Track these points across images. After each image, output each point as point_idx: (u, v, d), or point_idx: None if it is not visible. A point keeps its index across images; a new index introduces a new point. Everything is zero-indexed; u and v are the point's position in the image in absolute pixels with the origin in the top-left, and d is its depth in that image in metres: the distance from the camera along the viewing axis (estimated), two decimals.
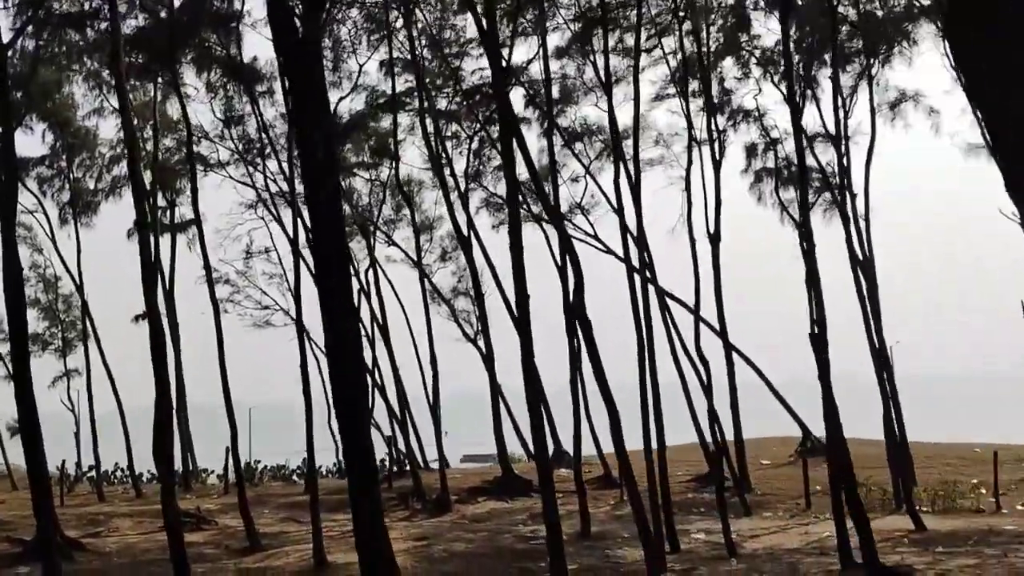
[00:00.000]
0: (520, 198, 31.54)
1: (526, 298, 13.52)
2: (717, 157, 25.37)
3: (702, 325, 26.28)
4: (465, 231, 27.50)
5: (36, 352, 39.34)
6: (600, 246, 29.53)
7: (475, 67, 26.47)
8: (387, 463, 35.66)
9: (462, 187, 30.10)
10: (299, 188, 24.40)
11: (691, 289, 25.56)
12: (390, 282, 34.70)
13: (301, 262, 21.04)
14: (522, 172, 31.10)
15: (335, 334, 10.22)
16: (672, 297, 25.64)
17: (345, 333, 10.23)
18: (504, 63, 16.66)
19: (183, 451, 32.19)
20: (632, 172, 18.85)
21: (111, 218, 35.04)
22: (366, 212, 33.19)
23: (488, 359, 25.90)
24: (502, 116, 14.42)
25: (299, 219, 21.24)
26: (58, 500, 28.07)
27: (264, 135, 24.08)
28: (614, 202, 26.19)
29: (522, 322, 13.34)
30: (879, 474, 22.71)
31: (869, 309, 22.45)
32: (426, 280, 31.67)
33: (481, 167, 30.13)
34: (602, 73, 26.49)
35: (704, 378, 21.55)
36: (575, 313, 13.89)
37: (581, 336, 13.89)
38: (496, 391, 25.77)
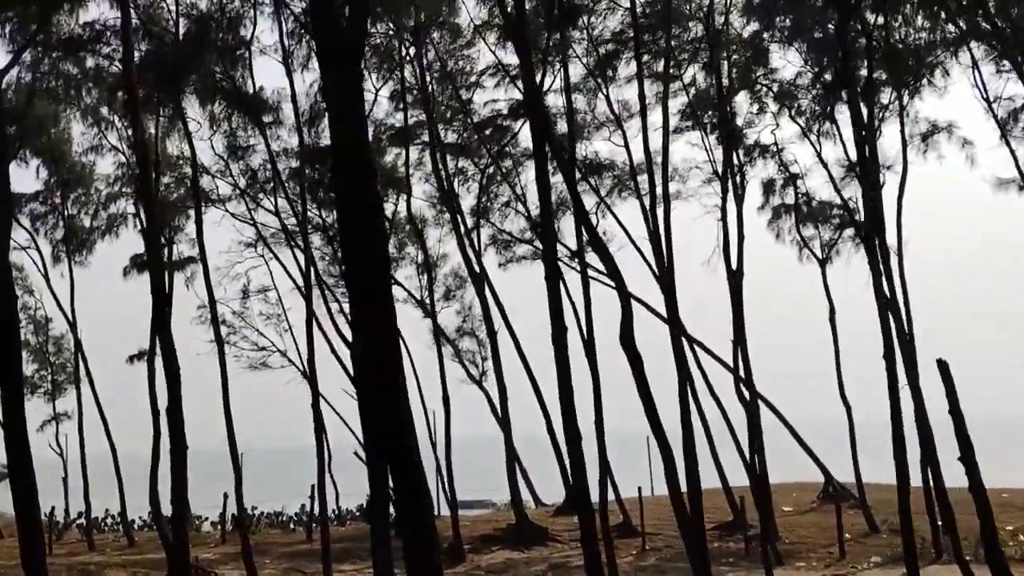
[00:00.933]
0: (532, 234, 31.05)
1: (564, 331, 12.57)
2: (740, 191, 24.58)
3: (711, 361, 25.53)
4: (476, 268, 26.57)
5: (25, 395, 38.19)
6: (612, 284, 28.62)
7: (487, 98, 25.76)
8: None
9: (469, 224, 29.34)
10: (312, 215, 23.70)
11: (706, 324, 24.78)
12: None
13: (316, 296, 19.96)
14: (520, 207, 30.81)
15: (376, 363, 9.22)
16: (700, 345, 24.70)
17: (387, 361, 9.22)
18: (530, 89, 15.80)
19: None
20: (660, 206, 18.01)
21: (104, 258, 33.98)
22: None
23: (502, 400, 24.80)
24: (538, 140, 13.53)
25: (309, 253, 20.25)
26: (47, 549, 26.79)
27: (272, 166, 23.16)
28: (636, 239, 26.07)
29: (561, 358, 12.36)
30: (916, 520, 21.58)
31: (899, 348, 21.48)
32: (432, 320, 30.73)
33: (489, 203, 29.31)
34: (616, 105, 26.24)
35: (749, 418, 20.42)
36: (625, 347, 12.89)
37: (632, 372, 12.84)
38: (508, 433, 24.64)
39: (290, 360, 32.81)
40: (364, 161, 9.47)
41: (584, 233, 23.26)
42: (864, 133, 22.35)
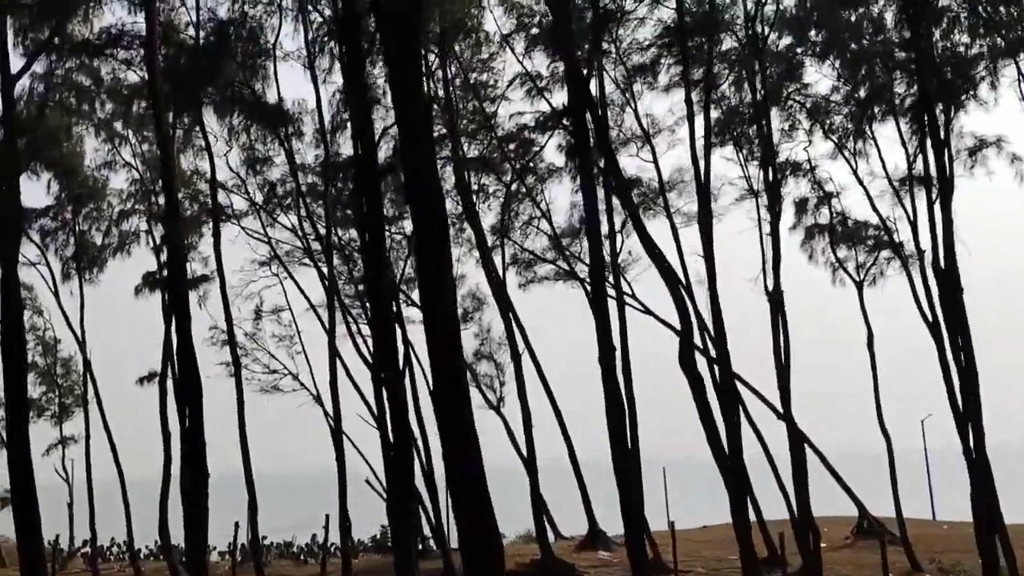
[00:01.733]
0: (555, 253, 30.06)
1: (612, 351, 11.58)
2: (777, 209, 23.58)
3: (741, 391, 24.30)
4: (499, 287, 25.55)
5: (31, 418, 37.25)
6: (639, 307, 27.56)
7: (513, 110, 24.85)
8: None
9: (488, 243, 28.40)
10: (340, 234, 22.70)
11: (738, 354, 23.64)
12: (411, 345, 32.75)
13: (338, 316, 18.96)
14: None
15: (449, 384, 8.35)
16: (737, 378, 23.53)
17: (457, 380, 8.35)
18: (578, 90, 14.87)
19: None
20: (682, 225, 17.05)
21: (113, 278, 33.12)
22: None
23: (527, 426, 23.68)
24: (582, 147, 12.62)
25: (332, 272, 19.32)
26: None
27: (293, 178, 22.26)
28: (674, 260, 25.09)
29: (610, 380, 11.36)
30: (967, 559, 20.44)
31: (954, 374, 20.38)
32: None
33: (510, 221, 28.33)
34: (644, 120, 25.37)
35: (794, 455, 19.15)
36: (685, 369, 11.90)
37: (693, 397, 11.80)
38: (532, 461, 23.48)
39: (302, 384, 31.74)
40: (434, 187, 8.77)
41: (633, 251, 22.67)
42: (919, 148, 21.60)
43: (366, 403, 30.00)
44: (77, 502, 33.42)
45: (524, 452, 28.33)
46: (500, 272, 27.65)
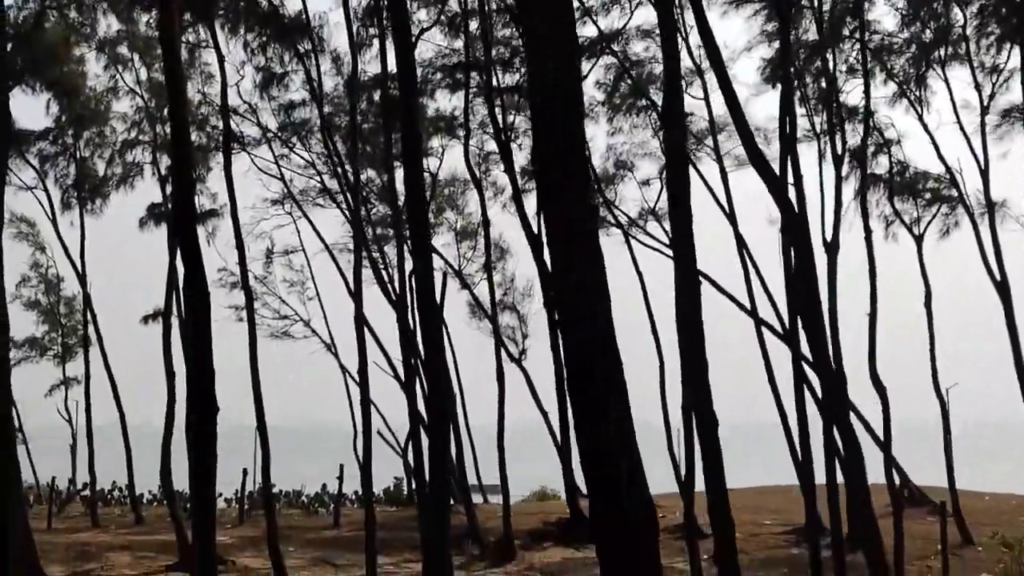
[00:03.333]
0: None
1: (697, 301, 9.79)
2: (839, 154, 21.68)
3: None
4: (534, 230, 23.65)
5: (34, 358, 35.93)
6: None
7: None
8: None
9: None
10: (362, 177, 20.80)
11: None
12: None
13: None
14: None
15: (587, 316, 6.69)
16: (770, 328, 21.83)
17: (611, 351, 6.77)
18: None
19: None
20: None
21: (115, 213, 31.29)
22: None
23: (559, 376, 21.96)
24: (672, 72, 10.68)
25: (358, 207, 17.57)
26: (46, 523, 24.34)
27: (315, 102, 20.30)
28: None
29: (694, 327, 9.60)
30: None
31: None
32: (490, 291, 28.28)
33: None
34: (696, 54, 23.39)
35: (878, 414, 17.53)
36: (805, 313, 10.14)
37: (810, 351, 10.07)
38: (564, 415, 21.82)
39: (314, 331, 30.35)
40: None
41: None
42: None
43: (384, 352, 28.60)
44: (80, 445, 32.07)
45: (543, 407, 26.98)
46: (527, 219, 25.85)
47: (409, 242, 22.04)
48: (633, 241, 26.40)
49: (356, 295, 17.10)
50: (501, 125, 22.53)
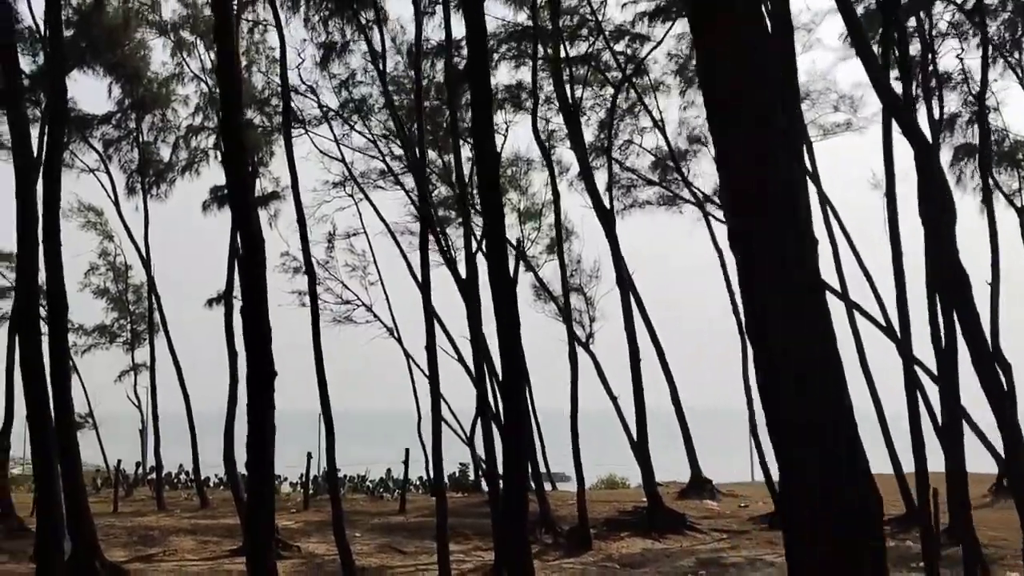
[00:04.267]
0: (661, 173, 27.05)
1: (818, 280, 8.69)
2: (938, 121, 20.26)
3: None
4: (607, 205, 22.61)
5: (104, 344, 36.14)
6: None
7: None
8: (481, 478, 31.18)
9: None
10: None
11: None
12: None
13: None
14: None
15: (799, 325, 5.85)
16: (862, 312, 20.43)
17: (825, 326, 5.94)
18: None
19: None
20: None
21: (176, 197, 31.06)
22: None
23: (634, 363, 20.90)
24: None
25: (424, 186, 16.77)
26: (111, 506, 24.19)
27: (379, 75, 19.47)
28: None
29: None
30: None
31: None
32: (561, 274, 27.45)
33: (610, 139, 25.23)
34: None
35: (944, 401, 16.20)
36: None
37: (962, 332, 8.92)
38: (640, 401, 20.78)
39: (376, 315, 29.79)
40: None
41: None
42: None
43: (447, 335, 27.89)
44: (148, 429, 32.09)
45: (613, 392, 25.95)
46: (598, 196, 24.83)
47: (479, 218, 21.42)
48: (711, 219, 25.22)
49: (424, 279, 16.33)
50: (569, 97, 21.53)
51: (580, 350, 29.83)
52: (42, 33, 20.71)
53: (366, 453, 39.48)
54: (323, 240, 30.50)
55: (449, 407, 32.16)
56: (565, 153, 31.26)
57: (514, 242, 28.99)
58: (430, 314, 15.75)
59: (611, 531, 19.42)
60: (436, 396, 15.10)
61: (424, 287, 16.43)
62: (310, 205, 28.97)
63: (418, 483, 30.78)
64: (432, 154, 27.62)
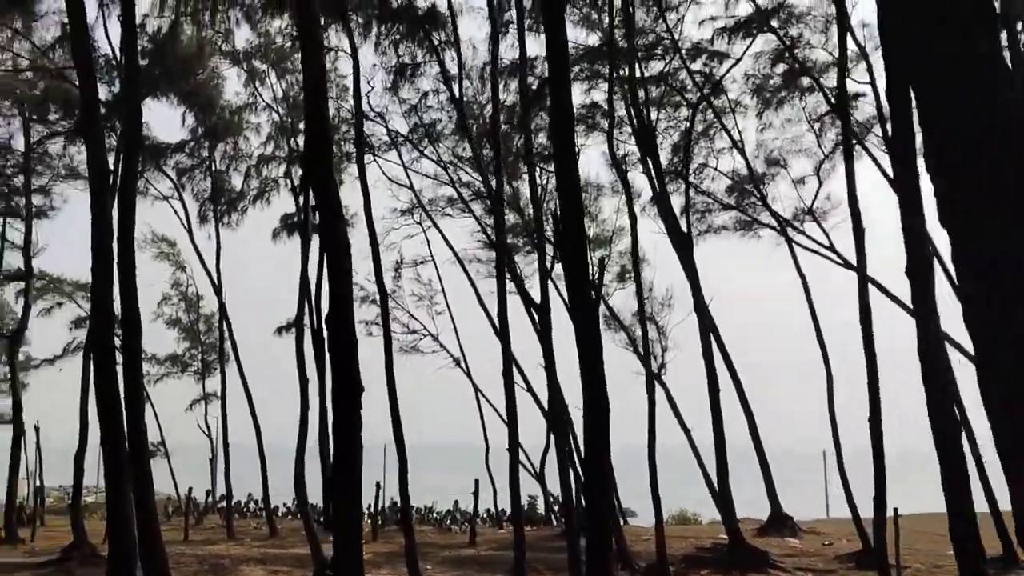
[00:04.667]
0: (738, 197, 26.27)
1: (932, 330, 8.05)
2: None
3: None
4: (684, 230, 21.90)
5: (175, 374, 36.50)
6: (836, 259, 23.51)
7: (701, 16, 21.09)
8: (552, 512, 30.50)
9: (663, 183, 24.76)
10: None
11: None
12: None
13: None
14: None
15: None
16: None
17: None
18: None
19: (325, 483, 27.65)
20: None
21: (248, 227, 31.22)
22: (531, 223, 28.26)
23: (713, 394, 20.01)
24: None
25: (500, 211, 16.41)
26: (182, 534, 24.12)
27: (451, 97, 19.20)
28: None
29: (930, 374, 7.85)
30: None
31: None
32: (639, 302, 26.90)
33: (684, 162, 24.58)
34: (861, 34, 21.31)
35: None
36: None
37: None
38: (720, 433, 19.89)
39: (442, 345, 29.51)
40: None
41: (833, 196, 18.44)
42: None
43: (517, 366, 27.44)
44: (218, 458, 32.17)
45: (686, 425, 25.06)
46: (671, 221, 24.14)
47: (551, 246, 20.97)
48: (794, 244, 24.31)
49: (501, 307, 15.87)
50: (645, 117, 20.98)
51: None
52: (118, 59, 20.98)
53: (429, 484, 39.21)
54: (390, 269, 30.66)
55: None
56: (635, 178, 30.80)
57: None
58: (506, 341, 15.31)
59: (690, 568, 18.57)
60: (514, 425, 14.59)
61: (501, 315, 15.98)
62: (378, 233, 29.08)
63: (484, 515, 30.22)
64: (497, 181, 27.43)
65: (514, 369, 27.17)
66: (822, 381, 23.78)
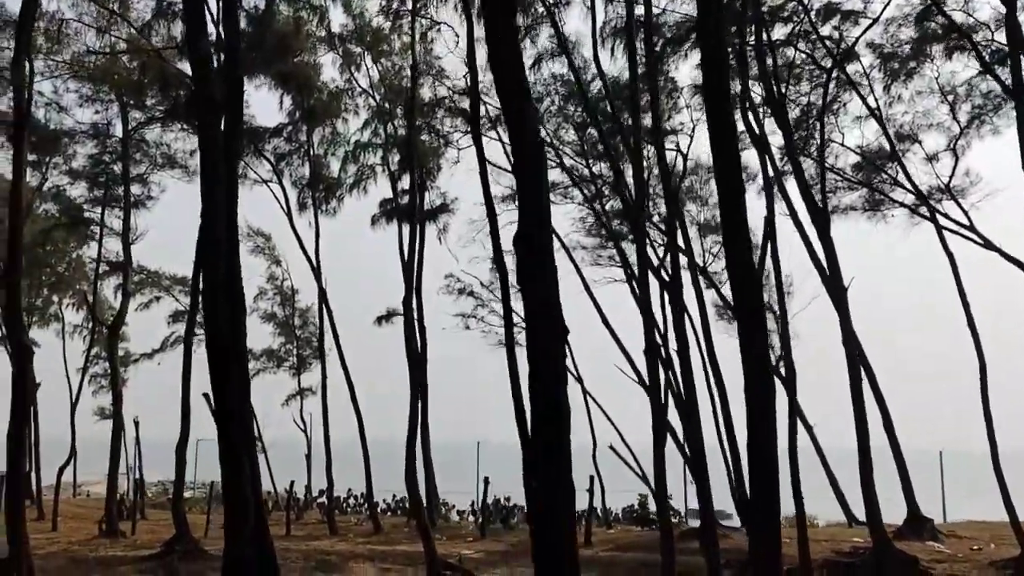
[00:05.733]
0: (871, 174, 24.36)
1: None
2: None
3: None
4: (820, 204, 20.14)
5: (271, 369, 36.23)
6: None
7: None
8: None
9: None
10: None
11: None
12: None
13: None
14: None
15: None
16: None
17: None
18: None
19: (427, 480, 26.68)
20: None
21: (344, 214, 30.51)
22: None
23: (855, 382, 18.20)
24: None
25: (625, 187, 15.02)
26: (283, 529, 23.42)
27: (572, 64, 17.79)
28: None
29: None
30: None
31: None
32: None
33: (822, 134, 22.68)
34: None
35: None
36: None
37: None
38: (863, 430, 18.06)
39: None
40: None
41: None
42: None
43: (627, 356, 26.02)
44: (315, 453, 31.58)
45: (808, 421, 23.22)
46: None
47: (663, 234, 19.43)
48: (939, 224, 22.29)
49: (642, 282, 14.44)
50: (775, 88, 19.34)
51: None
52: (218, 35, 20.31)
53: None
54: (483, 258, 29.57)
55: (620, 435, 30.31)
56: (748, 157, 29.06)
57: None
58: (650, 323, 13.83)
59: (832, 575, 16.87)
60: (661, 413, 13.15)
61: (644, 300, 14.45)
62: (478, 220, 28.04)
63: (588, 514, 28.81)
64: (602, 166, 26.07)
65: (626, 359, 25.95)
66: (929, 373, 21.80)
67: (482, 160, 15.95)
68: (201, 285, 13.48)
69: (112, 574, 16.79)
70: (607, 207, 26.83)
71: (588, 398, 29.82)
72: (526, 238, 9.13)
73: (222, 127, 13.94)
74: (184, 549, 18.81)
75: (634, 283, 27.51)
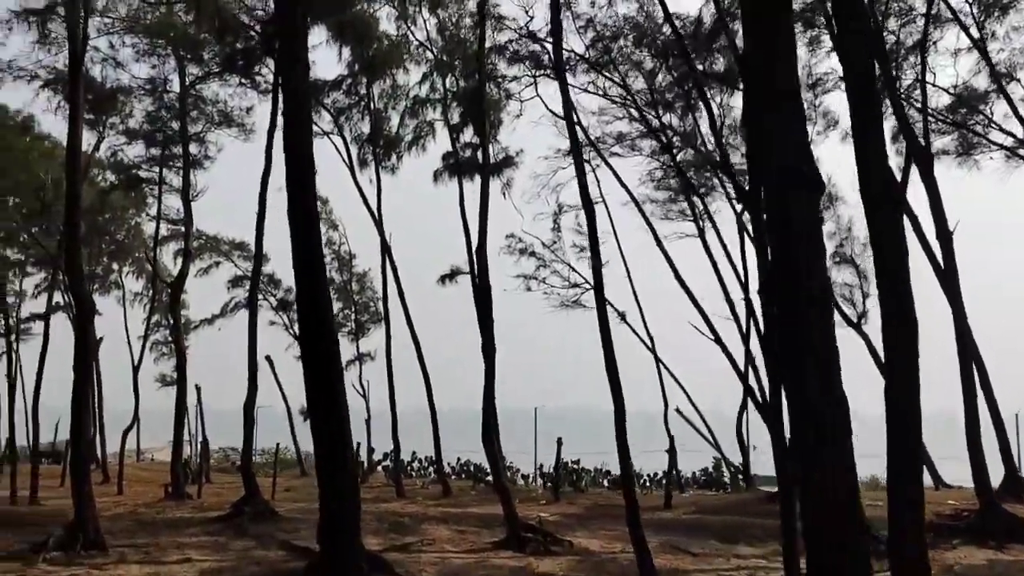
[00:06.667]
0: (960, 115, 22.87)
1: None
2: None
3: None
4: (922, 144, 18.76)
5: None
6: None
7: None
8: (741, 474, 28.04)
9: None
10: None
11: None
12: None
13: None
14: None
15: None
16: None
17: None
18: None
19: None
20: None
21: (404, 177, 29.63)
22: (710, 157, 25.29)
23: (962, 336, 16.85)
24: None
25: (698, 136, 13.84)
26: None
27: None
28: None
29: None
30: None
31: None
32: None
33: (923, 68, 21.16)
34: None
35: None
36: None
37: None
38: (990, 396, 16.79)
39: (607, 301, 27.42)
40: None
41: None
42: None
43: (703, 314, 24.96)
44: (378, 417, 31.03)
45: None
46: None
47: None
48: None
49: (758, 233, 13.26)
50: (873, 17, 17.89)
51: (850, 330, 26.22)
52: None
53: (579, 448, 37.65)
54: (546, 215, 28.53)
55: (688, 396, 29.34)
56: (829, 101, 27.58)
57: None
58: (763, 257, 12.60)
59: (940, 538, 15.75)
60: (748, 391, 12.06)
61: (755, 218, 13.20)
62: (543, 173, 27.00)
63: (647, 477, 27.88)
64: (670, 118, 24.84)
65: (702, 317, 24.86)
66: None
67: (567, 101, 14.82)
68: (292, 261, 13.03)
69: (181, 535, 16.32)
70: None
71: (660, 365, 28.98)
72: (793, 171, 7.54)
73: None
74: (254, 510, 18.30)
75: (713, 236, 26.39)
